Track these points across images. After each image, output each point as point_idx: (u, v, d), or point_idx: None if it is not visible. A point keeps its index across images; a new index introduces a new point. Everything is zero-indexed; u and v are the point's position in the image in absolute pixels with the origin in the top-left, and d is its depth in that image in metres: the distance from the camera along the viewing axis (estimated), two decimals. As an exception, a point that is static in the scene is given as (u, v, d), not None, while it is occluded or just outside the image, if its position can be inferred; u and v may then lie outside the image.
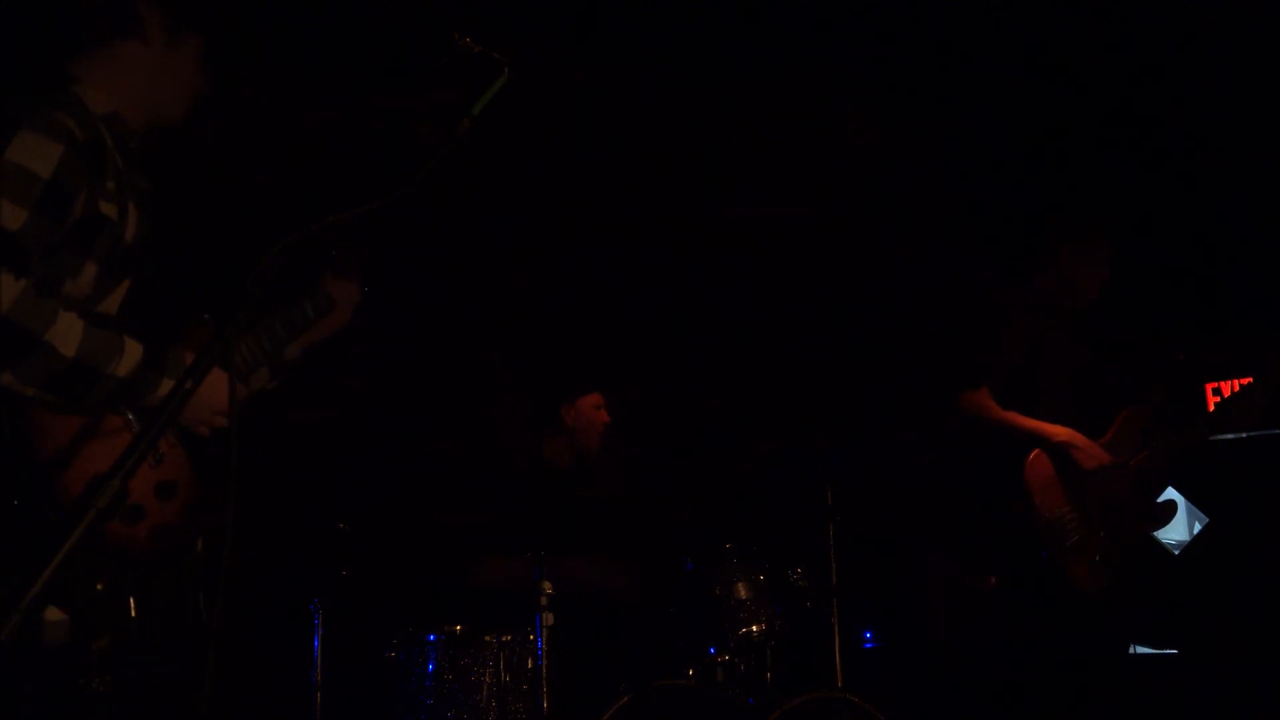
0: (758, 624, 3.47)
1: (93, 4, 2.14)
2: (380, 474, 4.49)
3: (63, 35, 2.16)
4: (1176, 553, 4.73)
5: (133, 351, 2.02)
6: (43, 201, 1.92)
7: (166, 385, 2.04)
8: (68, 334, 1.94)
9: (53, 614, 2.04)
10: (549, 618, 3.26)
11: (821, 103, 4.79)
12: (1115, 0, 4.43)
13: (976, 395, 3.58)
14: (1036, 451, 3.46)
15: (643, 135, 4.77)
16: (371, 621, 3.74)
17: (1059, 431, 3.47)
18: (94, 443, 2.02)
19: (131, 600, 2.05)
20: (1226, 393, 4.77)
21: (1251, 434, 4.54)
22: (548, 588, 3.27)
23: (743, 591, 3.51)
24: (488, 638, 3.42)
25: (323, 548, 3.63)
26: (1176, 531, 4.75)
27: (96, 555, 2.00)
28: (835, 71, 4.74)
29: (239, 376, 2.27)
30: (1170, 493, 4.34)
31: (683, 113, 4.74)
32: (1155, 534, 4.47)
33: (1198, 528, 4.73)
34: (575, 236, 4.94)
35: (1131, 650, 3.88)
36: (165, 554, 2.11)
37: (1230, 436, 4.61)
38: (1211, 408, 4.76)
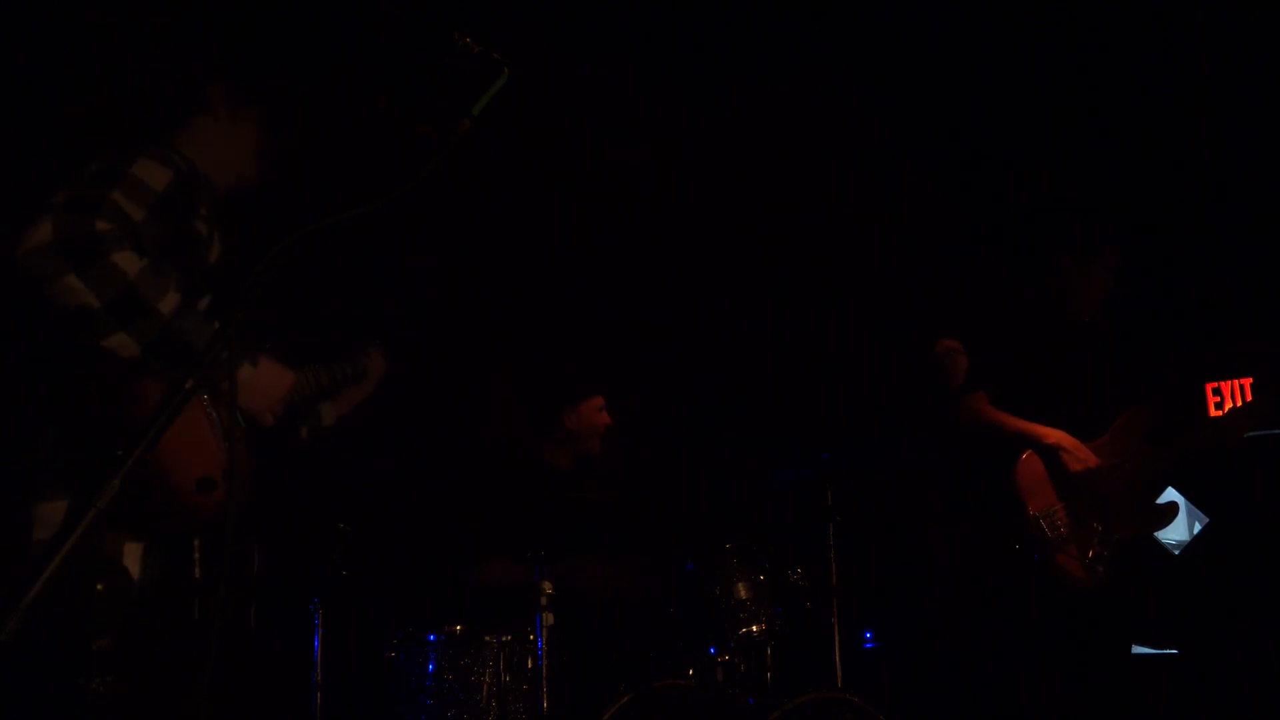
0: (758, 624, 3.46)
1: (172, 91, 2.60)
2: (380, 474, 4.49)
3: (156, 117, 2.59)
4: (1176, 553, 4.73)
5: (175, 298, 2.29)
6: (156, 207, 2.31)
7: (244, 371, 2.36)
8: (130, 262, 2.20)
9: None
10: (549, 618, 3.25)
11: (823, 105, 4.78)
12: (1117, 4, 4.43)
13: (973, 399, 3.62)
14: (1028, 452, 3.51)
15: (643, 136, 4.77)
16: (371, 622, 3.74)
17: (1049, 433, 3.52)
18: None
19: (197, 565, 2.27)
20: (1226, 393, 4.77)
21: (1251, 434, 4.53)
22: (548, 588, 3.27)
23: (743, 591, 3.50)
24: (488, 638, 3.41)
25: (323, 548, 3.63)
26: (1176, 531, 4.75)
27: (168, 520, 2.22)
28: (838, 74, 4.74)
29: (302, 406, 2.72)
30: (1170, 493, 4.35)
31: (684, 114, 4.74)
32: (1155, 534, 4.47)
33: (1198, 528, 4.73)
34: (574, 238, 4.94)
35: (1132, 650, 3.87)
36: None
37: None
38: (1211, 410, 4.76)
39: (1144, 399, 3.64)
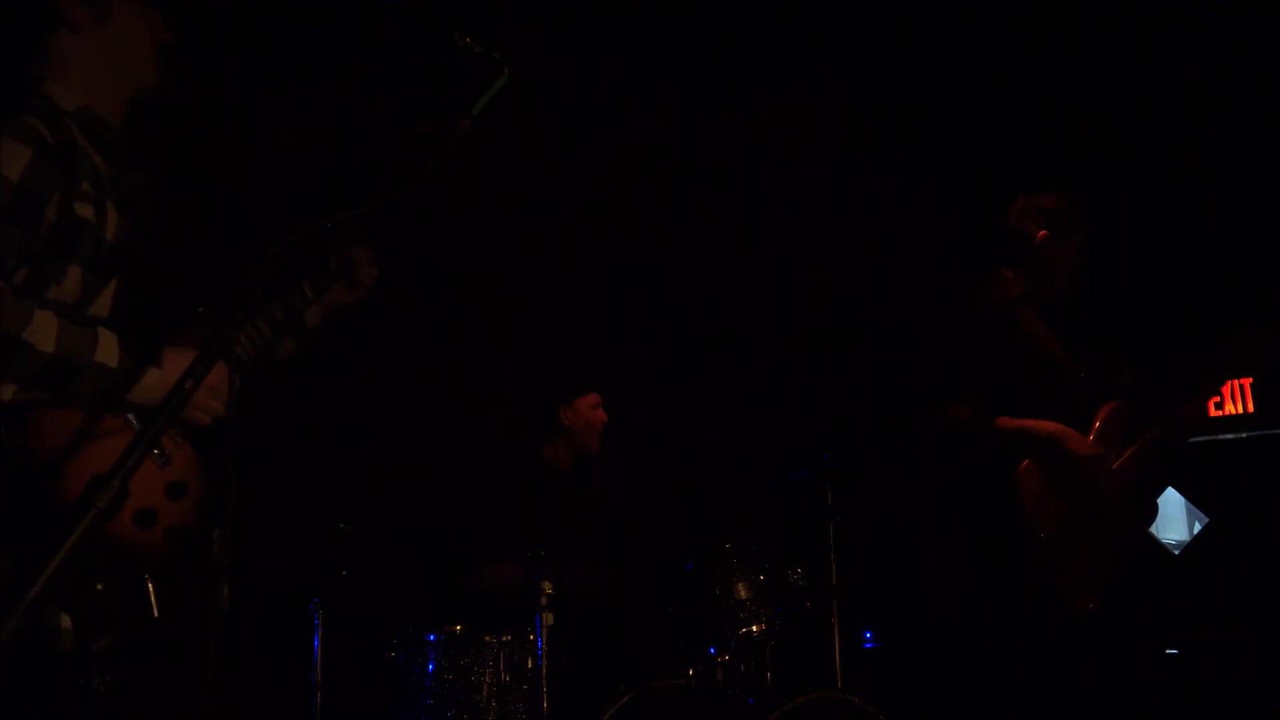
0: (758, 624, 3.46)
1: (12, 9, 2.13)
2: (381, 474, 4.49)
3: (10, 44, 2.14)
4: (1176, 553, 4.73)
5: (108, 340, 2.01)
6: (12, 205, 1.93)
7: (152, 375, 2.05)
8: (45, 331, 1.92)
9: (64, 622, 2.04)
10: (549, 618, 3.26)
11: (819, 106, 4.79)
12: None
13: (957, 410, 3.46)
14: (1026, 463, 3.35)
15: (639, 136, 4.77)
16: (371, 621, 3.75)
17: (1046, 425, 3.33)
18: (94, 444, 2.02)
19: (154, 603, 2.06)
20: (1225, 393, 4.76)
21: (1251, 434, 4.53)
22: (548, 588, 3.27)
23: (743, 592, 3.50)
24: (488, 638, 3.42)
25: (323, 548, 3.63)
26: (1176, 531, 4.75)
27: (112, 559, 2.01)
28: (834, 75, 4.75)
29: (240, 369, 2.28)
30: (1171, 493, 4.33)
31: (679, 114, 4.74)
32: (1152, 534, 4.46)
33: (1198, 528, 4.73)
34: (572, 237, 4.94)
35: (1133, 651, 3.85)
36: (182, 554, 2.11)
37: (1230, 436, 4.61)
38: (1211, 411, 4.72)
39: (1116, 391, 3.52)
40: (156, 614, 2.06)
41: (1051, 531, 3.30)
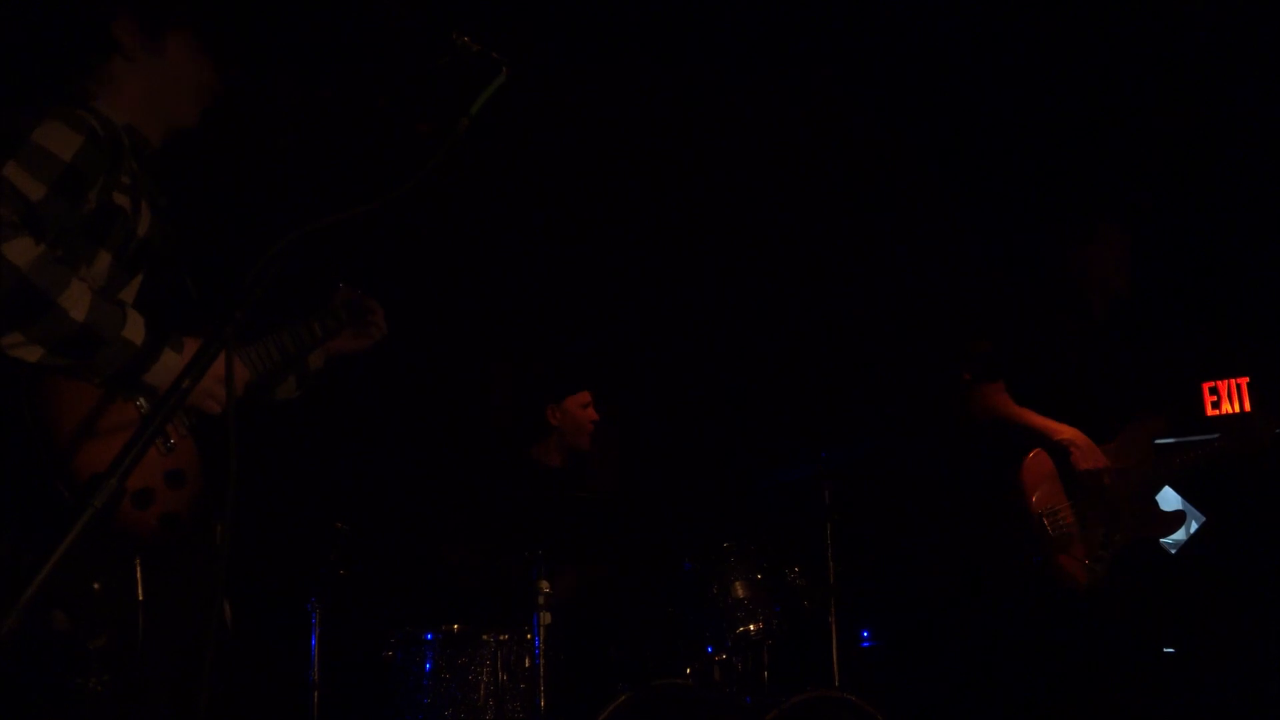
0: (755, 623, 3.47)
1: (72, 32, 2.24)
2: (379, 474, 4.49)
3: (65, 60, 2.25)
4: (1174, 552, 4.73)
5: (135, 319, 2.08)
6: (60, 181, 2.02)
7: (170, 358, 2.10)
8: (79, 299, 2.00)
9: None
10: (546, 617, 3.26)
11: (821, 102, 4.78)
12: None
13: (990, 390, 3.58)
14: (1037, 450, 3.48)
15: (636, 133, 4.77)
16: (369, 621, 3.75)
17: (1061, 429, 3.48)
18: (107, 438, 2.05)
19: (140, 585, 2.08)
20: (1223, 392, 4.77)
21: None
22: (545, 587, 3.27)
23: (740, 591, 3.51)
24: (485, 637, 3.42)
25: (321, 548, 3.63)
26: (1175, 531, 4.75)
27: (106, 538, 2.02)
28: (837, 65, 4.74)
29: (239, 363, 2.33)
30: (1170, 493, 4.34)
31: (672, 109, 4.74)
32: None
33: (1195, 527, 4.73)
34: (565, 234, 4.94)
35: (1132, 651, 3.87)
36: (172, 543, 2.12)
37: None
38: (1208, 410, 4.75)
39: (1155, 405, 3.64)
40: (141, 596, 2.07)
41: (1048, 509, 3.40)
